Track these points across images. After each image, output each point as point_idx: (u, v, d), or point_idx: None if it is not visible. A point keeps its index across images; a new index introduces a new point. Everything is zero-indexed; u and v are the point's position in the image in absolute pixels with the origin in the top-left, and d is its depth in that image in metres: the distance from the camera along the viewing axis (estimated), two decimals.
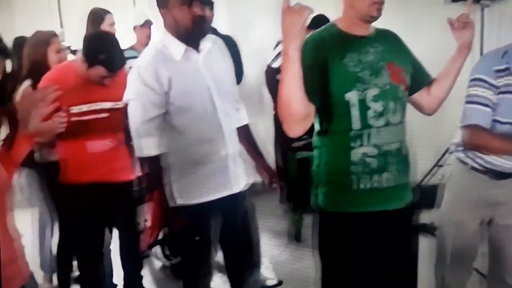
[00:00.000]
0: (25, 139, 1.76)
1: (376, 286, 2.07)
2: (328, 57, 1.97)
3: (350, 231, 2.04)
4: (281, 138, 5.36)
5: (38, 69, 3.26)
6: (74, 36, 4.35)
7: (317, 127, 2.10)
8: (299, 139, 4.16)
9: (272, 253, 4.23)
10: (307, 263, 2.74)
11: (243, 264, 2.64)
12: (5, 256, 1.60)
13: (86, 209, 3.00)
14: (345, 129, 2.01)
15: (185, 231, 2.40)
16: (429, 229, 3.83)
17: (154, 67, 2.34)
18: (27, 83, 3.25)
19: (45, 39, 3.38)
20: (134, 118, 2.40)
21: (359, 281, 2.04)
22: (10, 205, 1.65)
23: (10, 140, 1.72)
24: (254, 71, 5.36)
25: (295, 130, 1.93)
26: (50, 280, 3.79)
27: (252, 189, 2.69)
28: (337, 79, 1.97)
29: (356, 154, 2.01)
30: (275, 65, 5.16)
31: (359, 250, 2.03)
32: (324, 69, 1.96)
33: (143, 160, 2.45)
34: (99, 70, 2.83)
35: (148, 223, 3.94)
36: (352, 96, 1.97)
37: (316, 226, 2.12)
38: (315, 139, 2.14)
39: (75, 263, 3.69)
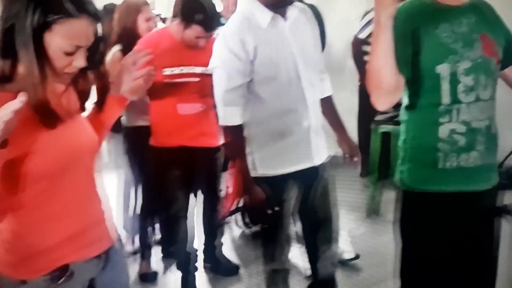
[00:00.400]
0: (117, 102, 1.76)
1: (456, 268, 2.01)
2: (420, 28, 1.89)
3: (433, 210, 1.98)
4: (364, 111, 5.29)
5: (127, 35, 3.35)
6: (163, 4, 4.42)
7: (405, 100, 2.03)
8: (383, 112, 4.11)
9: (350, 226, 4.21)
10: (385, 238, 2.69)
11: (321, 236, 2.62)
12: (94, 217, 1.65)
13: (174, 172, 3.09)
14: (434, 103, 1.93)
15: (265, 201, 2.41)
16: (510, 211, 3.68)
17: (240, 35, 2.33)
18: (116, 48, 3.34)
19: (136, 7, 3.45)
20: (219, 86, 2.40)
21: (439, 261, 1.98)
22: (98, 168, 1.70)
23: (100, 103, 1.74)
24: (338, 41, 5.28)
25: (383, 102, 1.87)
26: (132, 241, 3.93)
27: (333, 162, 2.66)
28: (428, 50, 1.89)
29: (444, 130, 1.93)
30: (362, 35, 5.07)
31: (441, 230, 1.97)
32: (415, 40, 1.89)
33: (227, 129, 2.46)
34: (196, 30, 2.91)
35: (230, 190, 4.02)
36: (443, 69, 1.88)
37: (399, 202, 2.07)
38: (402, 113, 2.07)
39: (157, 225, 3.81)
